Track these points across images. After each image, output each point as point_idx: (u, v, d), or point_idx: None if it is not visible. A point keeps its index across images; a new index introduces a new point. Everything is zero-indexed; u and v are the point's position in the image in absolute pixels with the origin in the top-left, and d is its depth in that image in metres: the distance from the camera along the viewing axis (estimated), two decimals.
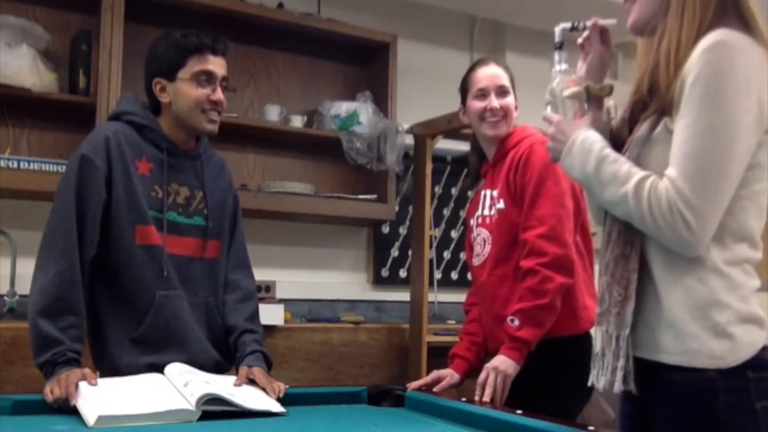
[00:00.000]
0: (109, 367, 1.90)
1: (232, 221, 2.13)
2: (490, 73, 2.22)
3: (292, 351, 3.27)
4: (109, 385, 1.76)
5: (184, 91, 1.96)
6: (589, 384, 1.47)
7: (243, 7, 3.39)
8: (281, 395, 1.86)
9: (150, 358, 1.90)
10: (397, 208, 3.78)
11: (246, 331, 2.03)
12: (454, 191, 4.22)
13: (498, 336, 2.09)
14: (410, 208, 3.86)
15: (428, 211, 3.57)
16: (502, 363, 1.98)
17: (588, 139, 1.42)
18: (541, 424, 1.54)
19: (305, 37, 3.63)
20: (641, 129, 1.42)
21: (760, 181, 1.36)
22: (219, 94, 1.97)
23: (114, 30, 3.04)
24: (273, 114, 3.53)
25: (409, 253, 3.80)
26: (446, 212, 4.20)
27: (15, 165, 2.91)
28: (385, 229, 4.00)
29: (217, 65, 1.97)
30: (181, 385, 1.75)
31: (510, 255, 2.11)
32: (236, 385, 1.86)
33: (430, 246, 3.73)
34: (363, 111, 3.58)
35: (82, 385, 1.70)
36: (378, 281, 3.97)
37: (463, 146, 4.04)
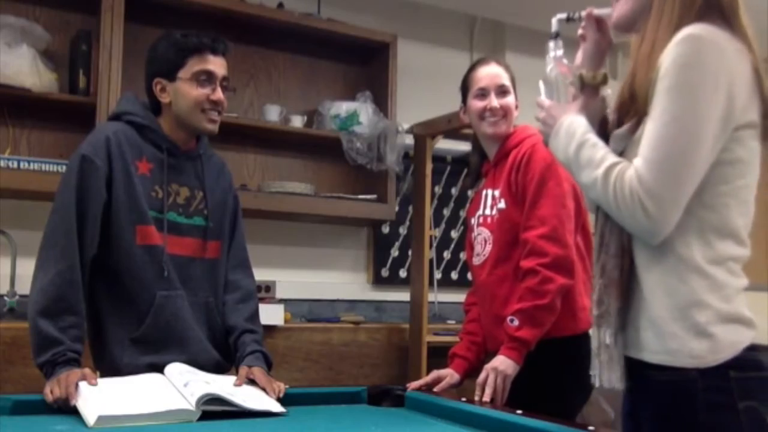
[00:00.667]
0: (110, 367, 1.90)
1: (233, 221, 2.13)
2: (490, 73, 2.22)
3: (292, 351, 3.27)
4: (109, 385, 1.76)
5: (184, 91, 1.96)
6: (593, 382, 1.47)
7: (243, 7, 3.39)
8: (281, 395, 1.86)
9: (150, 358, 1.90)
10: (397, 208, 3.79)
11: (246, 331, 2.03)
12: (454, 191, 4.22)
13: (497, 336, 2.09)
14: (410, 208, 3.86)
15: (428, 211, 3.57)
16: (502, 363, 1.98)
17: (573, 124, 1.44)
18: (541, 424, 1.54)
19: (305, 37, 3.63)
20: (622, 128, 1.44)
21: (742, 177, 1.36)
22: (219, 94, 1.97)
23: (114, 30, 3.04)
24: (273, 114, 3.53)
25: (409, 253, 3.81)
26: (446, 212, 4.20)
27: (15, 165, 2.91)
28: (385, 229, 4.00)
29: (217, 65, 1.97)
30: (181, 385, 1.75)
31: (510, 255, 2.11)
32: (236, 385, 1.86)
33: (430, 246, 3.73)
34: (363, 111, 3.58)
35: (82, 385, 1.70)
36: (378, 281, 3.97)
37: (463, 146, 4.06)
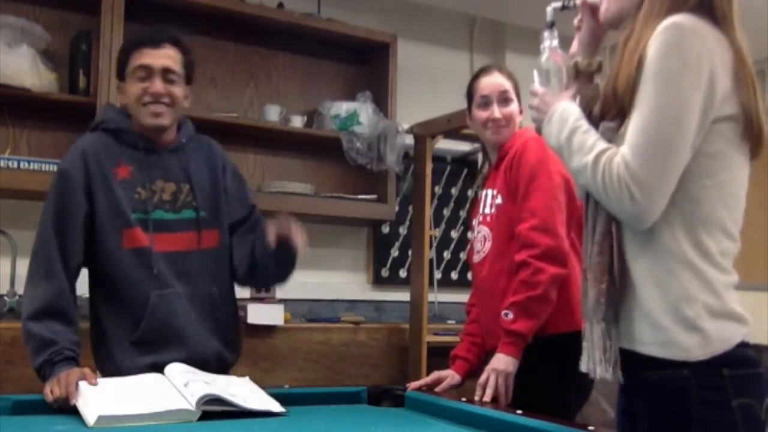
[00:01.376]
0: (113, 371, 1.91)
1: (225, 190, 2.09)
2: (492, 82, 2.24)
3: (292, 351, 3.27)
4: (109, 384, 1.76)
5: (127, 90, 1.99)
6: (582, 369, 1.47)
7: (243, 7, 3.39)
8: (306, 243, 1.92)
9: (151, 358, 1.91)
10: (397, 208, 3.79)
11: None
12: (454, 191, 4.22)
13: (496, 333, 2.09)
14: (410, 208, 3.86)
15: (428, 211, 3.57)
16: (502, 362, 1.98)
17: (566, 110, 1.45)
18: (541, 424, 1.54)
19: (305, 37, 3.63)
20: (609, 123, 1.44)
21: (727, 171, 1.36)
22: (156, 86, 1.95)
23: (114, 30, 3.04)
24: (273, 114, 3.52)
25: (409, 253, 3.80)
26: (446, 212, 4.20)
27: (15, 165, 2.91)
28: (385, 229, 4.00)
29: (155, 57, 1.96)
30: (181, 385, 1.75)
31: (507, 250, 2.12)
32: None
33: (430, 246, 3.73)
34: (363, 111, 3.58)
35: (82, 384, 1.70)
36: (378, 281, 3.97)
37: (463, 146, 4.07)
